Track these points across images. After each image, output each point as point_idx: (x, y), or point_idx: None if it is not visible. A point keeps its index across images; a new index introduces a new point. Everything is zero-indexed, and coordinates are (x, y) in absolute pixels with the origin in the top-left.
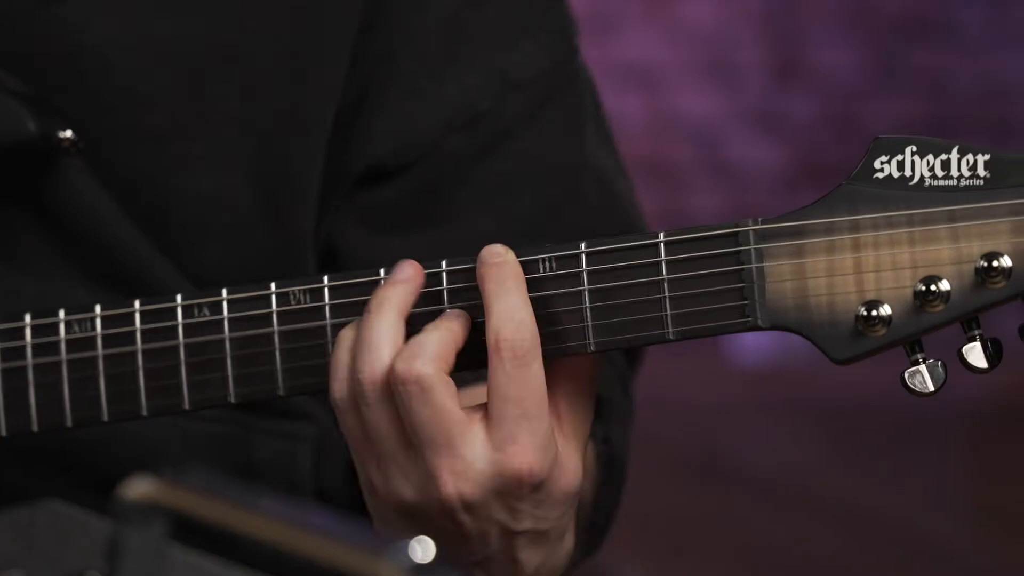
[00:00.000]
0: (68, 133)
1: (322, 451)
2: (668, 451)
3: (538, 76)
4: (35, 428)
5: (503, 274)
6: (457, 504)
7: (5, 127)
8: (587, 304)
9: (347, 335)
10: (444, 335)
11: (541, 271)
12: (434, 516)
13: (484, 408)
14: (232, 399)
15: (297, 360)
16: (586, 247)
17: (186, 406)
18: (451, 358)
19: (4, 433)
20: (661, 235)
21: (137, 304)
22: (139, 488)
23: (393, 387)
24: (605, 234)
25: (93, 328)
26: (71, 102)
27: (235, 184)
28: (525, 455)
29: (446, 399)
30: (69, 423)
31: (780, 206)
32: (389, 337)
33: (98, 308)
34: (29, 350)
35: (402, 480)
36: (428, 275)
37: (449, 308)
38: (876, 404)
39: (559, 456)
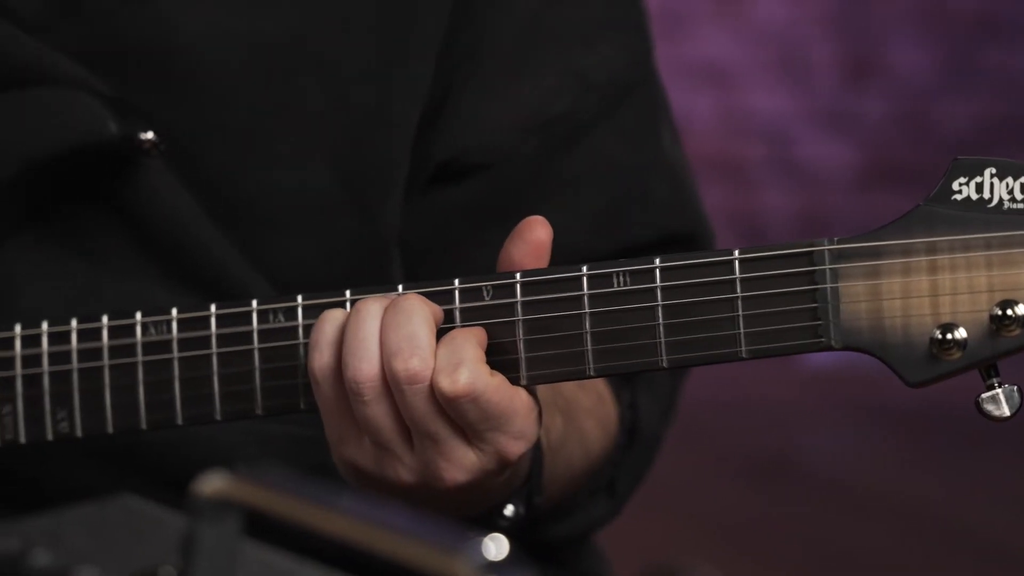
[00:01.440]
0: (150, 135)
1: None
2: (735, 452)
3: (615, 76)
4: (110, 429)
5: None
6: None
7: (87, 128)
8: (660, 320)
9: (333, 319)
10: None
11: (615, 286)
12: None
13: None
14: (303, 406)
15: None
16: (660, 263)
17: (259, 411)
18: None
19: (79, 434)
20: (736, 252)
21: (213, 308)
22: (214, 484)
23: (395, 385)
24: (674, 233)
25: (169, 331)
26: (156, 99)
27: (320, 181)
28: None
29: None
30: (144, 425)
31: (850, 207)
32: (376, 337)
33: (175, 311)
34: (106, 352)
35: (397, 465)
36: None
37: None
38: (946, 407)
39: None
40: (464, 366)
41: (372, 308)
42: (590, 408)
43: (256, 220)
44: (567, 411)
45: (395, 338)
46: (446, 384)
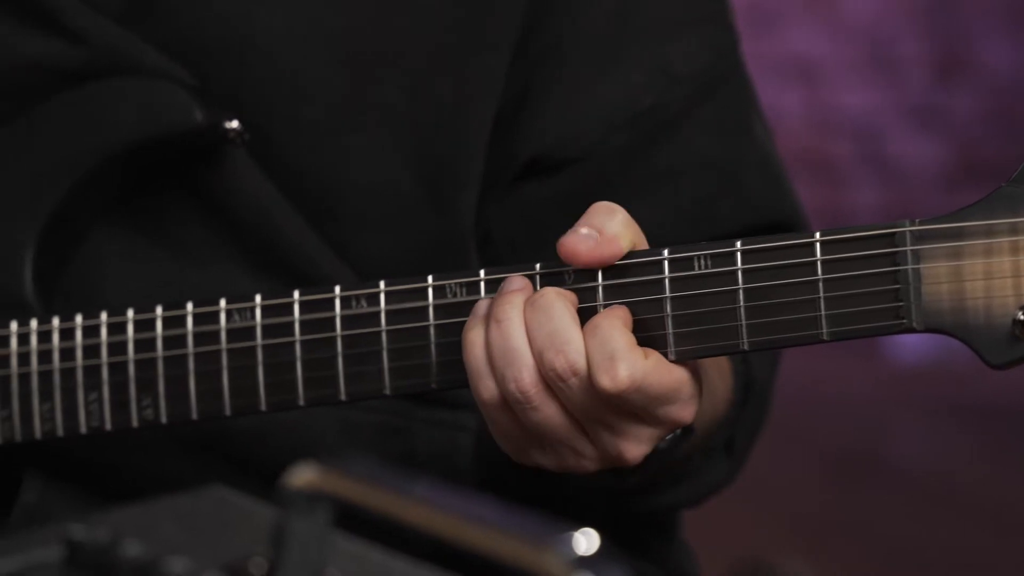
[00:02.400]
0: (235, 123)
1: (484, 442)
2: (822, 450)
3: (702, 69)
4: (194, 416)
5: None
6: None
7: (172, 116)
8: (741, 303)
9: (477, 343)
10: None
11: (696, 269)
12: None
13: None
14: (387, 391)
15: (452, 354)
16: (741, 245)
17: (342, 397)
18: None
19: (164, 420)
20: (817, 235)
21: (296, 294)
22: (304, 476)
23: (553, 383)
24: (767, 224)
25: (253, 317)
26: (235, 94)
27: (397, 176)
28: None
29: (654, 383)
30: (228, 412)
31: (939, 203)
32: (525, 341)
33: (258, 298)
34: (190, 338)
35: (576, 457)
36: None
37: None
38: None
39: None
40: (620, 359)
41: (512, 314)
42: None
43: (332, 214)
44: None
45: (541, 336)
46: (607, 382)
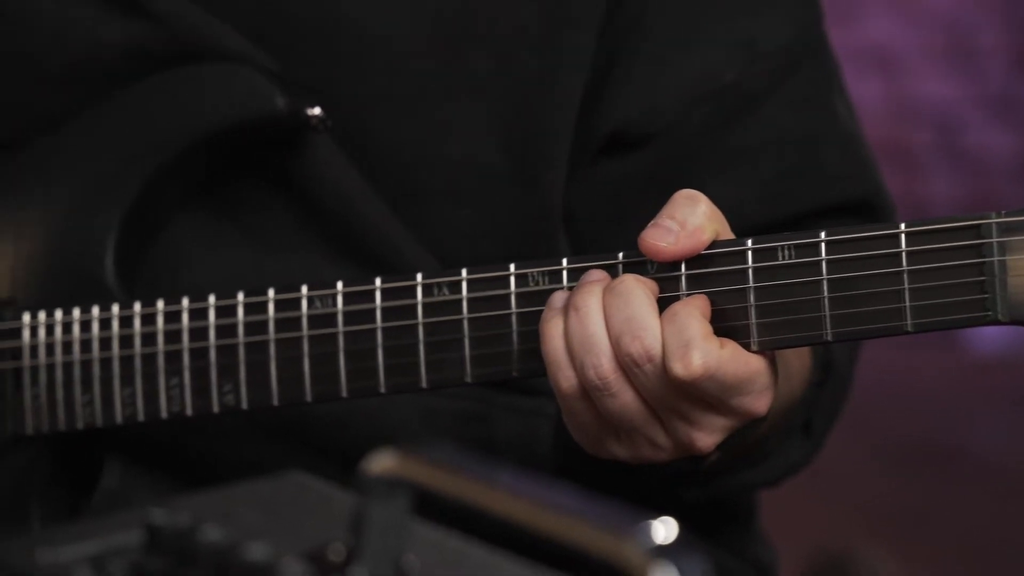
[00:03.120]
0: (316, 110)
1: (561, 429)
2: (901, 441)
3: (784, 44)
4: (275, 402)
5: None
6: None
7: (254, 103)
8: (826, 294)
9: (556, 332)
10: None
11: (779, 259)
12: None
13: None
14: (468, 379)
15: (533, 342)
16: (826, 236)
17: (423, 385)
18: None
19: (245, 406)
20: (902, 226)
21: (378, 282)
22: (383, 462)
23: (629, 369)
24: (848, 201)
25: (334, 304)
26: (322, 72)
27: (488, 150)
28: None
29: (728, 373)
30: (308, 398)
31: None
32: (603, 329)
33: (340, 284)
34: (272, 324)
35: (651, 448)
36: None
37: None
38: None
39: None
40: (694, 347)
41: (590, 302)
42: None
43: (421, 191)
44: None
45: (618, 322)
46: (679, 369)
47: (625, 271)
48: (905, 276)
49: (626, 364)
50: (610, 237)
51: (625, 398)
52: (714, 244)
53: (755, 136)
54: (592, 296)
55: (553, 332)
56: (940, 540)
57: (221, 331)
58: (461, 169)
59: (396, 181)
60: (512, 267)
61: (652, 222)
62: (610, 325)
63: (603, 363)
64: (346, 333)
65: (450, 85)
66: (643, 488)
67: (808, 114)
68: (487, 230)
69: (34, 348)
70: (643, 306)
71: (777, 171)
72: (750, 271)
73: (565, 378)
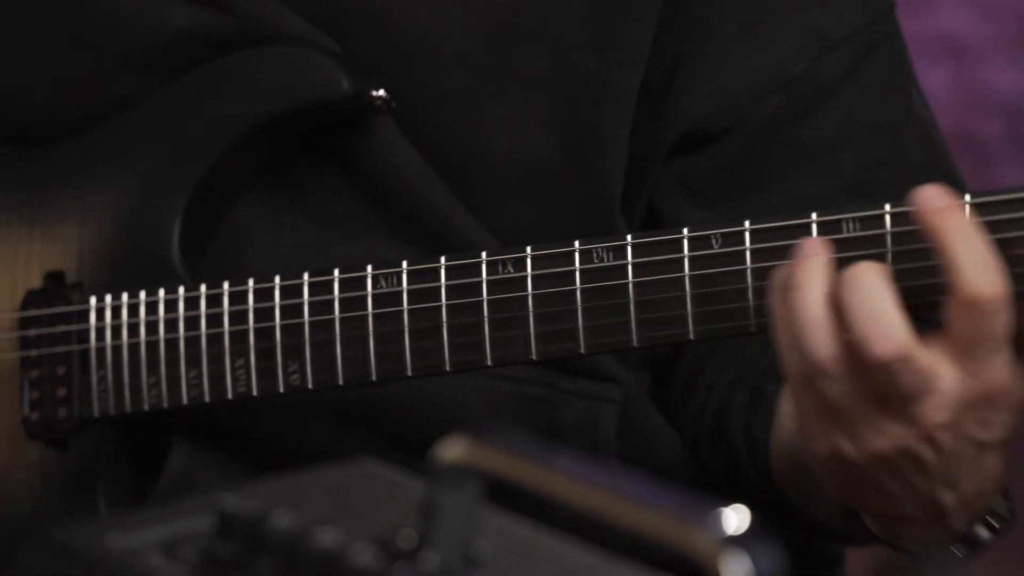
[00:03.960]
0: (381, 92)
1: (627, 414)
2: None
3: (855, 33)
4: (340, 382)
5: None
6: (939, 426)
7: (319, 85)
8: (889, 265)
9: (780, 313)
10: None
11: (844, 232)
12: (912, 449)
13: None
14: (534, 356)
15: (599, 318)
16: (891, 208)
17: (488, 362)
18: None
19: (310, 386)
20: (967, 197)
21: (443, 260)
22: (454, 448)
23: (872, 373)
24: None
25: (399, 283)
26: (378, 62)
27: (540, 146)
28: (999, 374)
29: (926, 362)
30: (374, 377)
31: None
32: (825, 311)
33: (404, 263)
34: (336, 304)
35: (877, 436)
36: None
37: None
38: None
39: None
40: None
41: (811, 281)
42: None
43: (476, 185)
44: None
45: (859, 328)
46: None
47: (690, 246)
48: None
49: (870, 368)
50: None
51: (851, 384)
52: (775, 217)
53: (832, 127)
54: (812, 274)
55: (776, 312)
56: None
57: (286, 311)
58: (515, 163)
59: (449, 175)
60: (576, 243)
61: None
62: (849, 327)
63: (823, 349)
64: (411, 311)
65: (502, 81)
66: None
67: (884, 102)
68: (541, 226)
69: (100, 330)
70: (886, 297)
71: (859, 162)
72: None
73: (788, 363)
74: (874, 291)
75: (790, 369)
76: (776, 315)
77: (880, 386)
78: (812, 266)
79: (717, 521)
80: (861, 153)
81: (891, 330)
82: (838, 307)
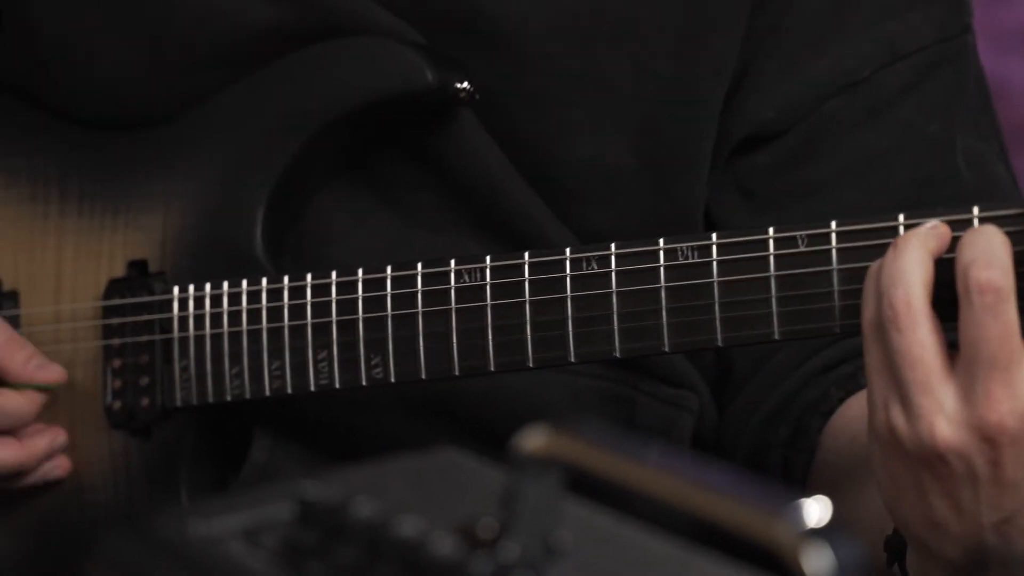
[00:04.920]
0: (465, 84)
1: (702, 424)
2: None
3: (925, 47)
4: (423, 376)
5: None
6: (1006, 430)
7: (403, 77)
8: None
9: (873, 269)
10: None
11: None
12: (971, 453)
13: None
14: (617, 353)
15: (683, 316)
16: (979, 212)
17: (571, 359)
18: None
19: (393, 379)
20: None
21: (526, 255)
22: (535, 439)
23: (965, 297)
24: None
25: (483, 278)
26: (460, 58)
27: (620, 152)
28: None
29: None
30: (456, 372)
31: None
32: (919, 265)
33: (488, 258)
34: (420, 297)
35: (935, 415)
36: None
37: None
38: None
39: None
40: None
41: (911, 240)
42: None
43: (552, 187)
44: None
45: (970, 254)
46: None
47: (776, 247)
48: None
49: (965, 291)
50: (742, 227)
51: (917, 335)
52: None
53: (888, 139)
54: (916, 236)
55: (871, 269)
56: None
57: (369, 304)
58: (593, 170)
59: (527, 177)
60: (661, 241)
61: None
62: (959, 256)
63: (900, 293)
64: (494, 307)
65: (583, 84)
66: None
67: (944, 120)
68: (617, 232)
69: (183, 320)
70: (1004, 248)
71: (910, 177)
72: None
73: (866, 309)
74: (994, 235)
75: (865, 321)
76: (869, 270)
77: (966, 340)
78: (921, 231)
79: (799, 513)
80: (914, 168)
81: (995, 260)
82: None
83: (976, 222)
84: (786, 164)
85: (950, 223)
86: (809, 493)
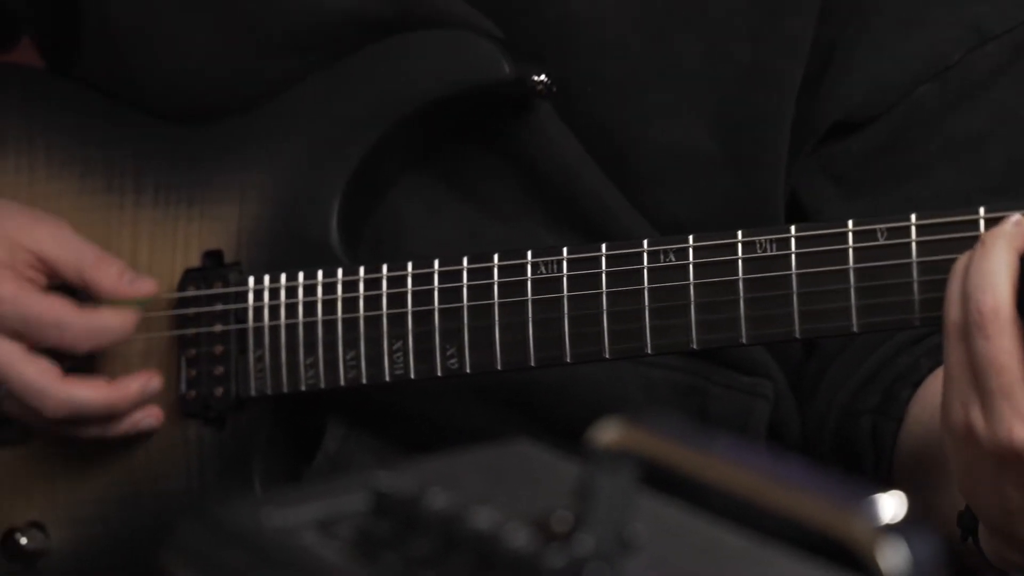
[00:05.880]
0: (542, 77)
1: (779, 412)
2: None
3: (1014, 27)
4: (499, 367)
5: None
6: None
7: (480, 69)
8: None
9: (960, 265)
10: None
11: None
12: None
13: None
14: (694, 345)
15: (761, 309)
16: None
17: (648, 350)
18: None
19: (468, 370)
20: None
21: (604, 247)
22: (610, 431)
23: None
24: None
25: (559, 270)
26: (536, 50)
27: (697, 136)
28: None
29: None
30: (532, 363)
31: None
32: (1006, 266)
33: (565, 250)
34: (496, 289)
35: (1014, 420)
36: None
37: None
38: None
39: None
40: None
41: (998, 239)
42: None
43: (630, 174)
44: None
45: None
46: None
47: (855, 240)
48: None
49: None
50: (834, 214)
51: (1003, 342)
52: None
53: (981, 121)
54: (1004, 234)
55: (957, 263)
56: None
57: (445, 295)
58: (671, 154)
59: (605, 164)
60: (739, 234)
61: None
62: None
63: (988, 299)
64: (571, 298)
65: (658, 70)
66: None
67: None
68: (697, 217)
69: (258, 310)
70: None
71: (1006, 158)
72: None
73: (951, 309)
74: None
75: (948, 321)
76: (954, 267)
77: None
78: (1006, 229)
79: (874, 508)
80: (1009, 149)
81: None
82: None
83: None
84: (880, 150)
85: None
86: (895, 462)
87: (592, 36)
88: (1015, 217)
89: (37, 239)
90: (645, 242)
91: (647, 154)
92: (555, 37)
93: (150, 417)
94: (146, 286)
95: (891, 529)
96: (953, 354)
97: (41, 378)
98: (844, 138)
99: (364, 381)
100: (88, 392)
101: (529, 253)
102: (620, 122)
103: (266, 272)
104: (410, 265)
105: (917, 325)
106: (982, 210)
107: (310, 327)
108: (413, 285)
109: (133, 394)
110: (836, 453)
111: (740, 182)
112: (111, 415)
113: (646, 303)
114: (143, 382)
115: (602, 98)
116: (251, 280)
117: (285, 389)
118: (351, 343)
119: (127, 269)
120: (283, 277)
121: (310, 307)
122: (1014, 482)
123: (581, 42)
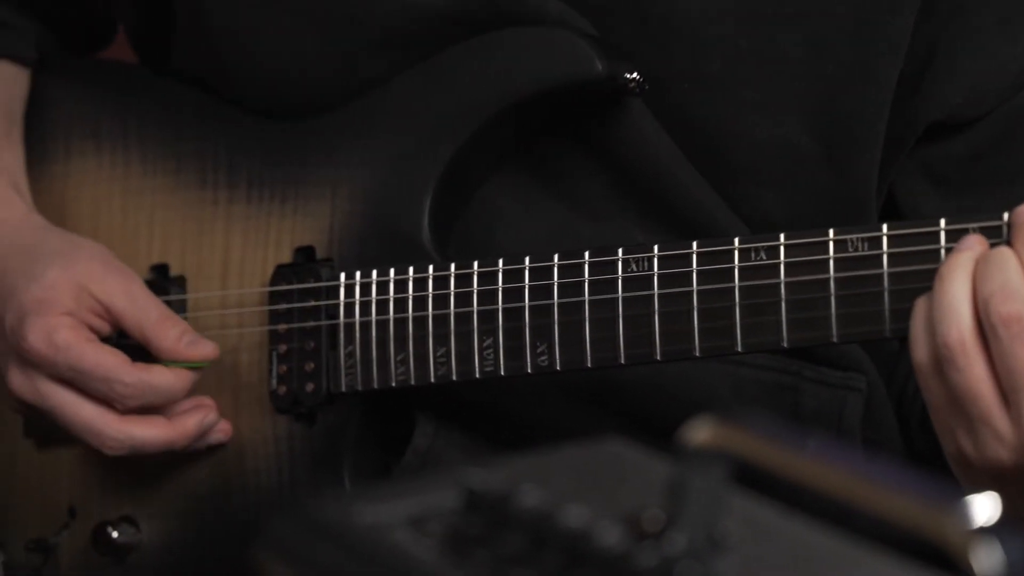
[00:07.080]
0: (635, 74)
1: (872, 404)
2: None
3: None
4: (589, 364)
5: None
6: None
7: (573, 66)
8: None
9: (921, 304)
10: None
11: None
12: None
13: None
14: (785, 344)
15: (852, 307)
16: None
17: (739, 348)
18: None
19: (558, 368)
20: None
21: (695, 245)
22: (702, 431)
23: (991, 332)
24: None
25: (650, 267)
26: (631, 46)
27: (795, 132)
28: None
29: None
30: (622, 360)
31: None
32: (965, 298)
33: (656, 247)
34: (587, 286)
35: (996, 443)
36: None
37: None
38: None
39: None
40: None
41: (956, 271)
42: None
43: (726, 169)
44: None
45: (988, 287)
46: None
47: (947, 239)
48: None
49: (990, 327)
50: (932, 216)
51: (974, 371)
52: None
53: None
54: (959, 267)
55: (918, 303)
56: None
57: (536, 292)
58: (768, 150)
59: (701, 159)
60: (831, 232)
61: None
62: (978, 290)
63: (953, 332)
64: (661, 295)
65: (758, 65)
66: None
67: None
68: (791, 213)
69: (350, 306)
70: (1018, 274)
71: None
72: None
73: (918, 348)
74: (1007, 264)
75: (918, 360)
76: (915, 307)
77: (1005, 368)
78: (961, 259)
79: (968, 509)
80: None
81: (1016, 295)
82: (974, 284)
83: (1005, 229)
84: (982, 154)
85: (983, 230)
86: None
87: (694, 32)
88: (967, 242)
89: (107, 290)
90: (736, 240)
91: (743, 149)
92: (655, 33)
93: (219, 433)
94: (204, 349)
95: (985, 531)
96: (930, 390)
97: (99, 419)
98: (945, 140)
99: (454, 378)
100: (146, 431)
101: (620, 250)
102: (718, 116)
103: (358, 268)
104: (501, 261)
105: None
106: (942, 221)
107: (401, 323)
108: (504, 282)
109: (191, 430)
110: (923, 436)
111: (835, 179)
112: (171, 449)
113: (736, 301)
114: (199, 418)
115: (700, 93)
116: (343, 276)
117: (376, 385)
118: (442, 339)
119: (188, 331)
120: (374, 273)
121: (401, 303)
122: (1017, 494)
123: (681, 38)
